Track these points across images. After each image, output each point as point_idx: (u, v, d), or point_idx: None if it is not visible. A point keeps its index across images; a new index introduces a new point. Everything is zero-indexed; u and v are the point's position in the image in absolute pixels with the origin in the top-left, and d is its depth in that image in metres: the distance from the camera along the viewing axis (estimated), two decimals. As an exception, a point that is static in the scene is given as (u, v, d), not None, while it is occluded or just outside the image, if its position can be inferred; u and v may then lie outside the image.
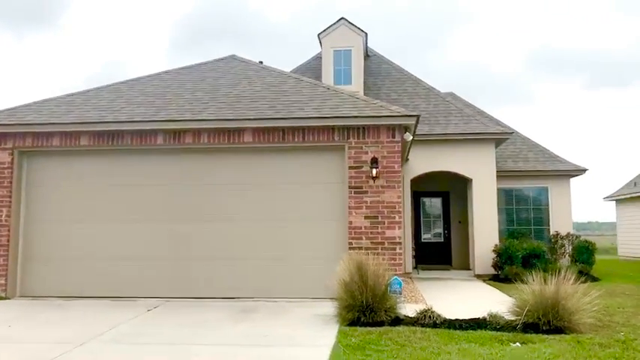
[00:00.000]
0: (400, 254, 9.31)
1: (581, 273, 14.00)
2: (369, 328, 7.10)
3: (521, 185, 16.80)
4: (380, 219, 9.38)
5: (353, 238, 9.40)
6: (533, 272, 13.56)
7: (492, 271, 13.97)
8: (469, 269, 16.40)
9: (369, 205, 9.42)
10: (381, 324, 7.27)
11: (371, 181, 9.45)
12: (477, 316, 7.70)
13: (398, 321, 7.39)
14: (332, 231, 9.71)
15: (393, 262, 9.16)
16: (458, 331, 7.05)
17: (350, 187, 9.49)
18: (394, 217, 9.37)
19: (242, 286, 9.78)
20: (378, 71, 17.29)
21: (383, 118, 9.44)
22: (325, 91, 10.69)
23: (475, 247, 14.30)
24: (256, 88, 11.17)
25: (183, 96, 11.01)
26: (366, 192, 9.45)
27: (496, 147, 14.84)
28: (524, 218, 17.01)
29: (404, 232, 9.84)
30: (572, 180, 17.15)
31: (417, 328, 7.11)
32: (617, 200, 27.48)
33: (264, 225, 9.86)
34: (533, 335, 6.94)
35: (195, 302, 9.49)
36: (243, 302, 9.43)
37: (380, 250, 9.30)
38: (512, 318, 7.46)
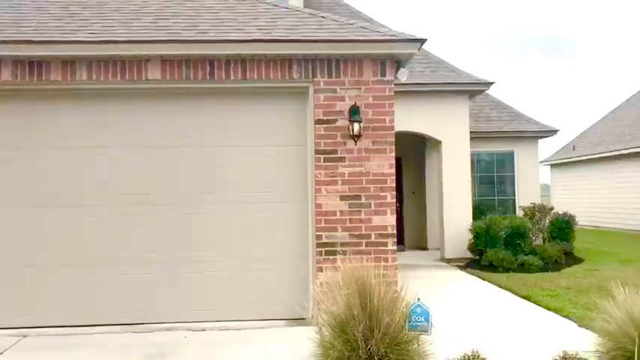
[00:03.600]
0: (394, 252, 6.20)
1: (565, 254, 11.84)
2: (386, 404, 3.96)
3: (483, 149, 14.23)
4: (364, 200, 6.19)
5: (323, 229, 6.15)
6: (518, 256, 11.23)
7: (467, 255, 11.34)
8: (425, 249, 13.80)
9: (346, 178, 6.19)
10: (401, 390, 4.15)
11: (350, 143, 6.20)
12: (547, 361, 4.79)
13: (430, 382, 4.31)
14: (289, 219, 6.40)
15: (385, 264, 6.05)
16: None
17: (318, 152, 6.20)
18: (385, 197, 6.21)
19: (147, 306, 6.29)
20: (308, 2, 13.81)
21: (369, 44, 6.15)
22: (272, 9, 7.17)
23: (446, 225, 11.57)
24: (164, 2, 7.44)
25: (47, 10, 7.06)
26: (343, 159, 6.20)
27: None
28: (487, 188, 14.56)
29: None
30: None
31: (470, 399, 4.07)
32: (552, 165, 26.20)
33: (181, 211, 6.37)
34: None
35: (72, 336, 5.90)
36: (153, 334, 5.95)
37: (364, 247, 6.15)
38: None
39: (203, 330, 6.05)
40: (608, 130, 23.01)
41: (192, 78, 6.20)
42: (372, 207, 6.19)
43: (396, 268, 6.17)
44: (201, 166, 6.39)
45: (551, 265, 10.78)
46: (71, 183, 6.31)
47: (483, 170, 14.60)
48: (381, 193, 6.20)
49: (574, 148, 24.19)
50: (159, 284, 6.32)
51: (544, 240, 12.57)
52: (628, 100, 24.14)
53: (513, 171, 14.57)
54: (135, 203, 6.32)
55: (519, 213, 13.55)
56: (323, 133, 6.20)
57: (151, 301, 6.29)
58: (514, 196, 14.59)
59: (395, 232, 6.23)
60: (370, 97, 6.23)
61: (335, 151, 6.20)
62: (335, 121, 6.21)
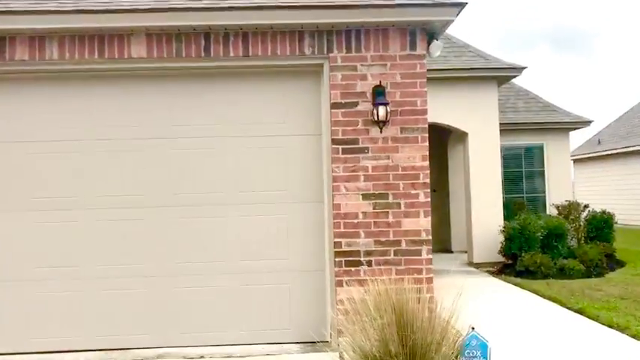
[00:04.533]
0: (429, 262, 5.13)
1: (605, 256, 10.71)
2: None
3: (510, 142, 13.06)
4: (391, 199, 5.13)
5: (343, 235, 5.10)
6: (557, 260, 10.10)
7: (498, 259, 10.21)
8: (449, 251, 12.69)
9: (370, 173, 5.13)
10: None
11: (374, 131, 5.14)
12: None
13: None
14: (302, 223, 5.35)
15: (418, 276, 5.00)
16: None
17: (335, 142, 5.14)
18: (417, 195, 5.15)
19: (134, 328, 5.27)
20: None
21: (397, 9, 5.07)
22: (279, -24, 6.12)
23: (474, 226, 10.46)
24: (155, -28, 6.42)
25: (18, -19, 6.06)
26: (365, 150, 5.14)
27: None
28: (514, 185, 13.41)
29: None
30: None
31: None
32: (575, 160, 24.92)
33: (175, 215, 5.34)
34: None
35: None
36: (138, 363, 4.95)
37: (392, 257, 5.09)
38: None
39: (201, 357, 5.03)
40: (636, 122, 21.74)
41: (183, 55, 5.17)
42: (402, 207, 5.12)
43: (430, 280, 5.10)
44: (197, 162, 5.36)
45: (592, 269, 9.65)
46: (36, 183, 5.30)
47: (510, 165, 13.46)
48: (412, 191, 5.14)
49: (599, 142, 22.94)
50: (148, 302, 5.30)
51: (578, 241, 11.41)
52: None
53: (543, 166, 13.44)
54: (118, 207, 5.30)
55: (551, 211, 12.41)
56: (341, 119, 5.14)
57: (138, 322, 5.28)
58: (544, 193, 13.45)
59: (430, 237, 5.17)
60: (398, 75, 5.17)
61: (356, 141, 5.14)
62: (355, 104, 5.15)
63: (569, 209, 11.47)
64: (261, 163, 5.36)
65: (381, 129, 5.10)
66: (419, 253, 5.10)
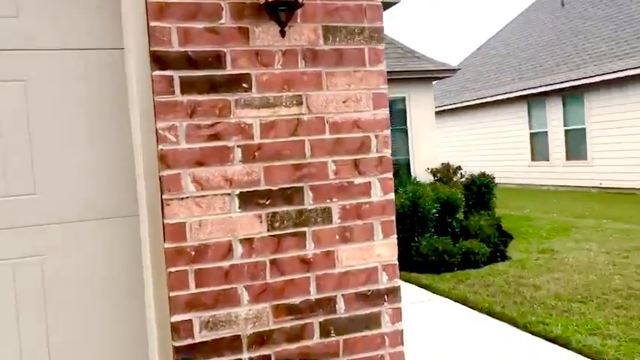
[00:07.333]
0: (397, 341, 2.26)
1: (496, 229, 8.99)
2: None
3: (369, 95, 10.73)
4: (311, 202, 2.11)
5: (192, 303, 1.96)
6: (459, 243, 7.70)
7: (379, 245, 7.82)
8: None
9: (257, 142, 2.04)
10: None
11: (264, 32, 2.03)
12: None
13: None
14: (83, 271, 2.09)
15: (383, 384, 2.11)
16: None
17: (162, 64, 1.92)
18: (368, 189, 2.21)
19: None
20: None
21: None
22: None
23: (347, 204, 7.90)
24: None
25: None
26: (244, 83, 2.02)
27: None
28: (376, 145, 11.18)
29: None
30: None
31: None
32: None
33: None
34: None
35: None
36: None
37: (317, 340, 2.11)
38: None
39: None
40: (468, 76, 21.26)
41: None
42: (334, 221, 2.15)
43: (401, 381, 2.26)
44: None
45: (494, 249, 7.79)
46: None
47: (370, 123, 11.20)
48: (357, 180, 2.19)
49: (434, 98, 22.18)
50: None
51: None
52: (487, 42, 22.66)
53: (405, 123, 11.40)
54: None
55: (422, 177, 10.45)
56: (177, 0, 1.95)
57: None
58: (408, 155, 11.46)
59: (398, 283, 2.29)
60: None
61: (218, 60, 1.99)
62: (212, -37, 1.98)
63: (449, 174, 9.56)
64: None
65: (282, 28, 2.02)
66: (376, 322, 2.21)
